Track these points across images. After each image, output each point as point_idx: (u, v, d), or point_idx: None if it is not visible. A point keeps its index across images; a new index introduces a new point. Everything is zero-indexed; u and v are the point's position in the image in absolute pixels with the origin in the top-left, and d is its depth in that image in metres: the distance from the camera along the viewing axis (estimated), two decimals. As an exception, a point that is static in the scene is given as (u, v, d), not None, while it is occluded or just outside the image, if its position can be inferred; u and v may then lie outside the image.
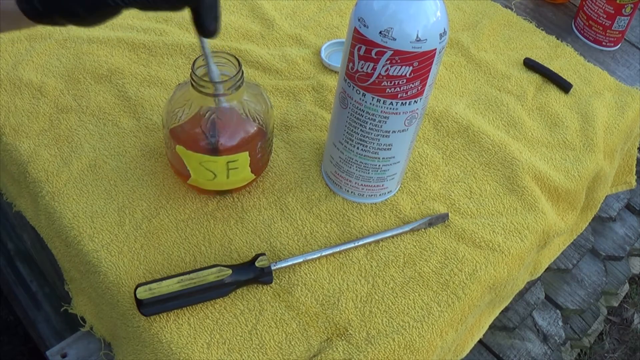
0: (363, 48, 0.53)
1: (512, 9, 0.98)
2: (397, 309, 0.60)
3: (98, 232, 0.62)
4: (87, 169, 0.67)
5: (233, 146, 0.59)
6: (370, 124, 0.58)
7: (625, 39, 0.98)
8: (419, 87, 0.55)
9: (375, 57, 0.53)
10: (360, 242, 0.63)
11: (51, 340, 0.97)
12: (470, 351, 0.71)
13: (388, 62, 0.53)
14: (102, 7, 0.47)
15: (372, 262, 0.63)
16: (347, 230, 0.65)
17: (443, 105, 0.78)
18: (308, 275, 0.61)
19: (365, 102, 0.57)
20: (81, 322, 0.67)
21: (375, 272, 0.62)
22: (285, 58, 0.81)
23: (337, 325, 0.58)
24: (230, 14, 0.87)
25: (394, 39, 0.51)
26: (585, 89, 0.85)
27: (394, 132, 0.59)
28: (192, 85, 0.57)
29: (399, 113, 0.57)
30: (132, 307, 0.58)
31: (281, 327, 0.57)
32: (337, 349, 0.56)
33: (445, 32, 0.53)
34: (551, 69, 0.86)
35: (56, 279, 0.92)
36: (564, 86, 0.84)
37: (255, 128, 0.60)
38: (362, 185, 0.65)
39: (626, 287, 1.39)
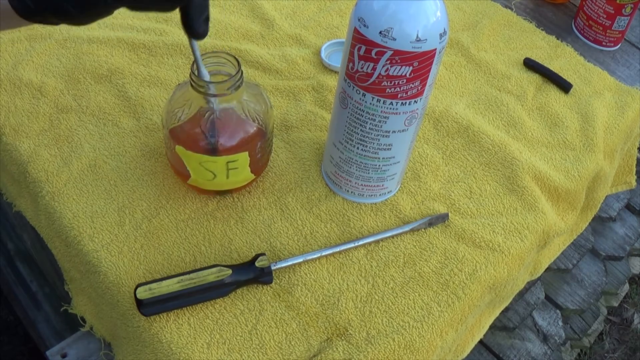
0: (363, 48, 0.53)
1: (512, 9, 0.98)
2: (397, 309, 0.60)
3: (98, 232, 0.62)
4: (87, 169, 0.67)
5: (233, 146, 0.59)
6: (370, 124, 0.58)
7: (625, 39, 0.98)
8: (419, 87, 0.55)
9: (375, 57, 0.53)
10: (360, 242, 0.63)
11: (51, 340, 0.97)
12: (471, 351, 0.71)
13: (388, 62, 0.53)
14: (92, 6, 0.47)
15: (372, 262, 0.63)
16: (347, 230, 0.65)
17: (443, 105, 0.78)
18: (308, 275, 0.61)
19: (365, 102, 0.57)
20: (81, 322, 0.67)
21: (375, 272, 0.62)
22: (285, 58, 0.81)
23: (337, 325, 0.58)
24: (230, 14, 0.87)
25: (394, 39, 0.51)
26: (585, 89, 0.85)
27: (394, 132, 0.59)
28: (191, 85, 0.57)
29: (399, 113, 0.57)
30: (132, 307, 0.58)
31: (281, 327, 0.57)
32: (337, 349, 0.56)
33: (445, 32, 0.53)
34: (551, 69, 0.86)
35: (56, 279, 0.92)
36: (564, 86, 0.84)
37: (255, 128, 0.60)
38: (362, 185, 0.65)
39: (626, 287, 1.39)
